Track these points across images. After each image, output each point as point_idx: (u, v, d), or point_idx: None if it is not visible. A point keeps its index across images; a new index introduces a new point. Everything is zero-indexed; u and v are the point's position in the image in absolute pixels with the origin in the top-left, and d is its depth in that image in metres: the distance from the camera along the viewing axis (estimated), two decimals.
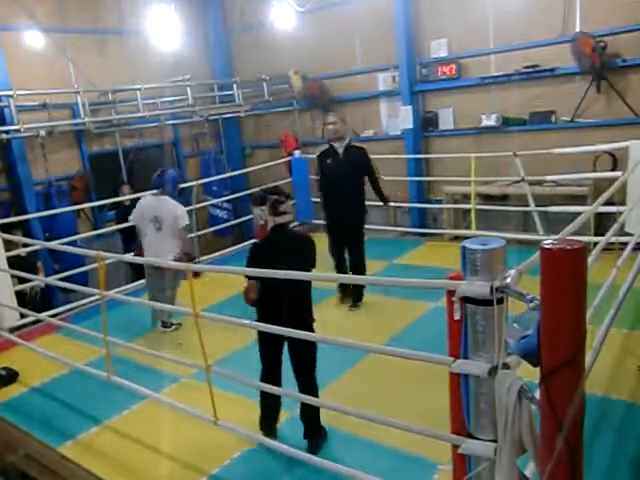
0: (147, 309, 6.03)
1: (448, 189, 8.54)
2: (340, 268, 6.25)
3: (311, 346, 3.72)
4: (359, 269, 6.12)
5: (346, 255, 6.27)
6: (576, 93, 7.58)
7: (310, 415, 3.76)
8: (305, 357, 3.76)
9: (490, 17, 8.13)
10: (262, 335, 3.79)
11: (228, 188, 9.80)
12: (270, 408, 3.91)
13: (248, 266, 3.71)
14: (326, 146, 6.28)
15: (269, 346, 3.80)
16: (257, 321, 3.74)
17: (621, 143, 6.34)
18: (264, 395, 3.87)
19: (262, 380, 3.86)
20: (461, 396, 2.30)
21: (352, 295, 6.17)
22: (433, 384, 2.91)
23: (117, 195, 8.08)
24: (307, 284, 3.75)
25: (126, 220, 7.75)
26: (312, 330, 3.72)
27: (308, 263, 3.75)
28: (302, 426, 3.80)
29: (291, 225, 4.11)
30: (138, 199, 6.26)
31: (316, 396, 3.76)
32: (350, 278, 5.79)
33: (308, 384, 3.78)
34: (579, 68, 7.38)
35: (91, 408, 4.53)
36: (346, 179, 6.01)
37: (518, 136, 8.09)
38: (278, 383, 3.86)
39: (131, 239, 7.91)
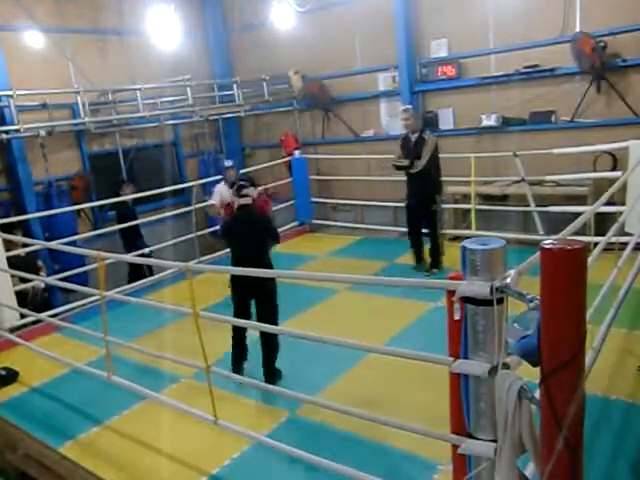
0: (147, 309, 6.01)
1: (448, 189, 8.51)
2: (413, 235, 7.01)
3: (272, 283, 4.58)
4: (434, 240, 6.76)
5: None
6: (576, 93, 7.58)
7: (270, 359, 4.55)
8: (268, 294, 4.57)
9: (490, 17, 8.14)
10: (234, 279, 4.66)
11: None
12: (240, 348, 4.70)
13: (221, 232, 5.05)
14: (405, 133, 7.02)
15: (240, 290, 4.63)
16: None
17: (621, 143, 6.35)
18: (235, 336, 4.68)
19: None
20: (461, 396, 2.30)
21: (430, 261, 6.75)
22: (433, 384, 2.91)
23: (118, 194, 8.07)
24: (266, 241, 4.83)
25: (127, 219, 7.77)
26: (271, 265, 4.76)
27: (267, 233, 4.86)
28: (301, 423, 3.87)
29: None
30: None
31: (276, 323, 4.57)
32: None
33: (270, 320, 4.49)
34: (579, 68, 7.37)
35: (91, 408, 4.54)
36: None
37: (518, 136, 8.08)
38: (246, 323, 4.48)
39: (133, 238, 7.91)
